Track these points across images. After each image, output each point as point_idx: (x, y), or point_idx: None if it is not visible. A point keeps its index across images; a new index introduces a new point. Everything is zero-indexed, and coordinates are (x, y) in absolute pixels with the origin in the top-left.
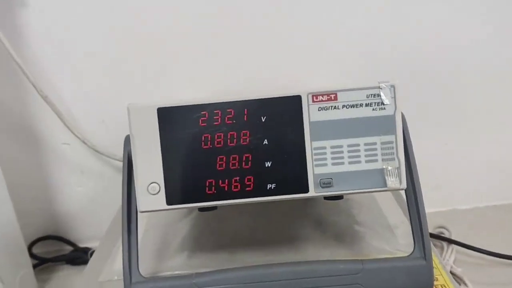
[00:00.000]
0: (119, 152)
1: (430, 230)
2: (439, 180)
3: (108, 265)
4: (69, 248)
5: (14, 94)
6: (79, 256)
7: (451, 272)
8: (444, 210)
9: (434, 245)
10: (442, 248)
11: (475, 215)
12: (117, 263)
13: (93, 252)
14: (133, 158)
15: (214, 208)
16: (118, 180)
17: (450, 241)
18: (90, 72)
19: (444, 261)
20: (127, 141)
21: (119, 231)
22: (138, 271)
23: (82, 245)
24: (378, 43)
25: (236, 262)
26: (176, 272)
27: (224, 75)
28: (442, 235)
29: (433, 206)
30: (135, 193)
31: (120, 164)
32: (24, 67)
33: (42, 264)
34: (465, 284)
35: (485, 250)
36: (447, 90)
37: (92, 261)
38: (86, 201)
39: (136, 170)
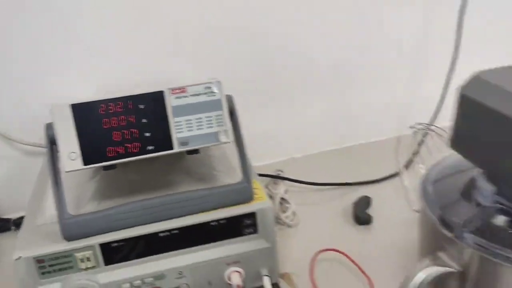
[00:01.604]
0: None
1: (271, 173)
2: (278, 138)
3: (40, 216)
4: None
5: None
6: (3, 225)
7: (282, 198)
8: (284, 159)
9: (274, 182)
10: (277, 184)
11: (305, 160)
12: (47, 213)
13: (16, 219)
14: (57, 137)
15: (114, 167)
16: (28, 161)
17: (283, 178)
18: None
19: (277, 190)
20: (49, 126)
21: (41, 196)
22: (68, 211)
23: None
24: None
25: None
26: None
27: (107, 72)
28: (279, 174)
29: (275, 157)
30: (57, 162)
31: (28, 147)
32: None
33: None
34: (289, 203)
35: (305, 181)
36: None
37: (26, 217)
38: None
39: (60, 144)
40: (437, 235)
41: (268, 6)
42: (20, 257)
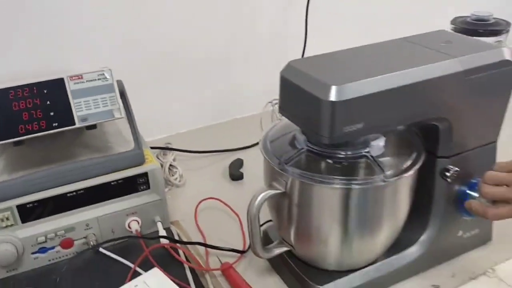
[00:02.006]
0: None
1: (161, 145)
2: (166, 117)
3: None
4: None
5: None
6: None
7: (170, 165)
8: (172, 134)
9: (164, 153)
10: (167, 154)
11: (189, 134)
12: None
13: None
14: None
15: (22, 142)
16: None
17: (171, 149)
18: None
19: (167, 158)
20: None
21: None
22: None
23: None
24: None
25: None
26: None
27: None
28: (168, 146)
29: (164, 133)
30: None
31: None
32: None
33: None
34: (177, 168)
35: (189, 150)
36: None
37: None
38: None
39: None
40: (273, 171)
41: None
42: None
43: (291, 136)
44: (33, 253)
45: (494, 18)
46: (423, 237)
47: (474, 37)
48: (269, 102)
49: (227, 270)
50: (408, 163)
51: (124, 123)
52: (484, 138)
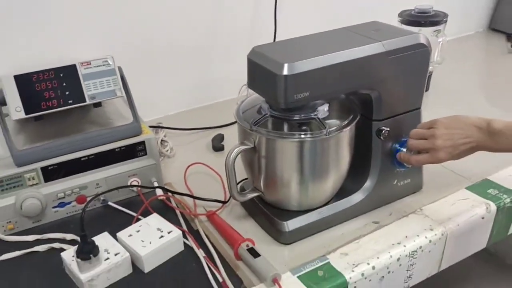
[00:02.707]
0: None
1: (154, 124)
2: (158, 101)
3: None
4: None
5: None
6: None
7: (162, 140)
8: (162, 116)
9: (156, 131)
10: (158, 132)
11: (178, 116)
12: None
13: None
14: (6, 98)
15: (42, 117)
16: None
17: (162, 127)
18: None
19: (159, 135)
20: None
21: None
22: (16, 147)
23: None
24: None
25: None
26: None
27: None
28: (159, 124)
29: (156, 115)
30: (3, 117)
31: None
32: None
33: None
34: (168, 142)
35: (178, 128)
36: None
37: None
38: None
39: (8, 102)
40: (244, 132)
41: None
42: None
43: (258, 106)
44: (53, 207)
45: (434, 11)
46: (365, 185)
47: (398, 27)
48: (244, 85)
49: (212, 216)
50: (346, 122)
51: (122, 105)
52: (410, 105)
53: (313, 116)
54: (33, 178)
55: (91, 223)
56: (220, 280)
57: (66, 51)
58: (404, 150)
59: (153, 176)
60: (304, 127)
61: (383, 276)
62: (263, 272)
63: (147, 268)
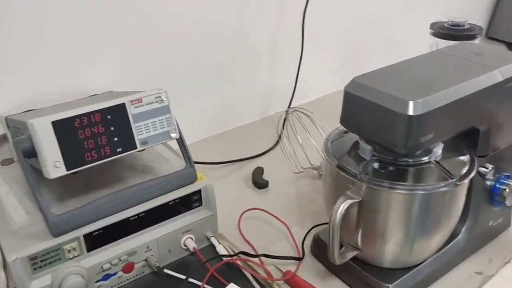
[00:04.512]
0: None
1: None
2: None
3: (8, 224)
4: None
5: None
6: None
7: None
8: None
9: None
10: None
11: (199, 145)
12: (17, 220)
13: None
14: (40, 150)
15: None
16: None
17: None
18: None
19: None
20: (19, 141)
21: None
22: (52, 212)
23: None
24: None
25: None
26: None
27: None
28: None
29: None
30: (32, 173)
31: None
32: None
33: None
34: None
35: (206, 162)
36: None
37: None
38: None
39: (44, 155)
40: (340, 179)
41: (168, 23)
42: (16, 258)
43: (347, 145)
44: (97, 281)
45: (469, 24)
46: (464, 230)
47: (500, 49)
48: (290, 109)
49: (293, 278)
50: (467, 166)
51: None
52: None
53: (427, 160)
54: (74, 249)
55: None
56: None
57: (81, 79)
58: (503, 187)
59: (208, 229)
60: (418, 174)
61: None
62: None
63: None
